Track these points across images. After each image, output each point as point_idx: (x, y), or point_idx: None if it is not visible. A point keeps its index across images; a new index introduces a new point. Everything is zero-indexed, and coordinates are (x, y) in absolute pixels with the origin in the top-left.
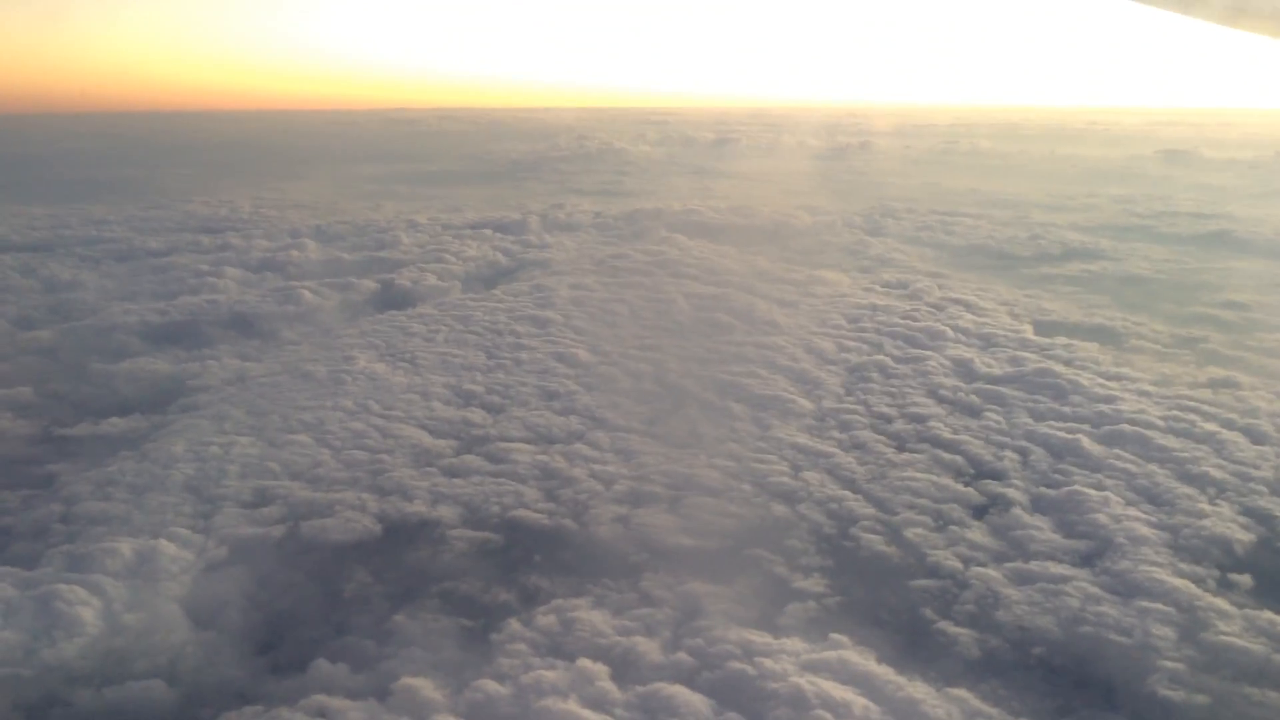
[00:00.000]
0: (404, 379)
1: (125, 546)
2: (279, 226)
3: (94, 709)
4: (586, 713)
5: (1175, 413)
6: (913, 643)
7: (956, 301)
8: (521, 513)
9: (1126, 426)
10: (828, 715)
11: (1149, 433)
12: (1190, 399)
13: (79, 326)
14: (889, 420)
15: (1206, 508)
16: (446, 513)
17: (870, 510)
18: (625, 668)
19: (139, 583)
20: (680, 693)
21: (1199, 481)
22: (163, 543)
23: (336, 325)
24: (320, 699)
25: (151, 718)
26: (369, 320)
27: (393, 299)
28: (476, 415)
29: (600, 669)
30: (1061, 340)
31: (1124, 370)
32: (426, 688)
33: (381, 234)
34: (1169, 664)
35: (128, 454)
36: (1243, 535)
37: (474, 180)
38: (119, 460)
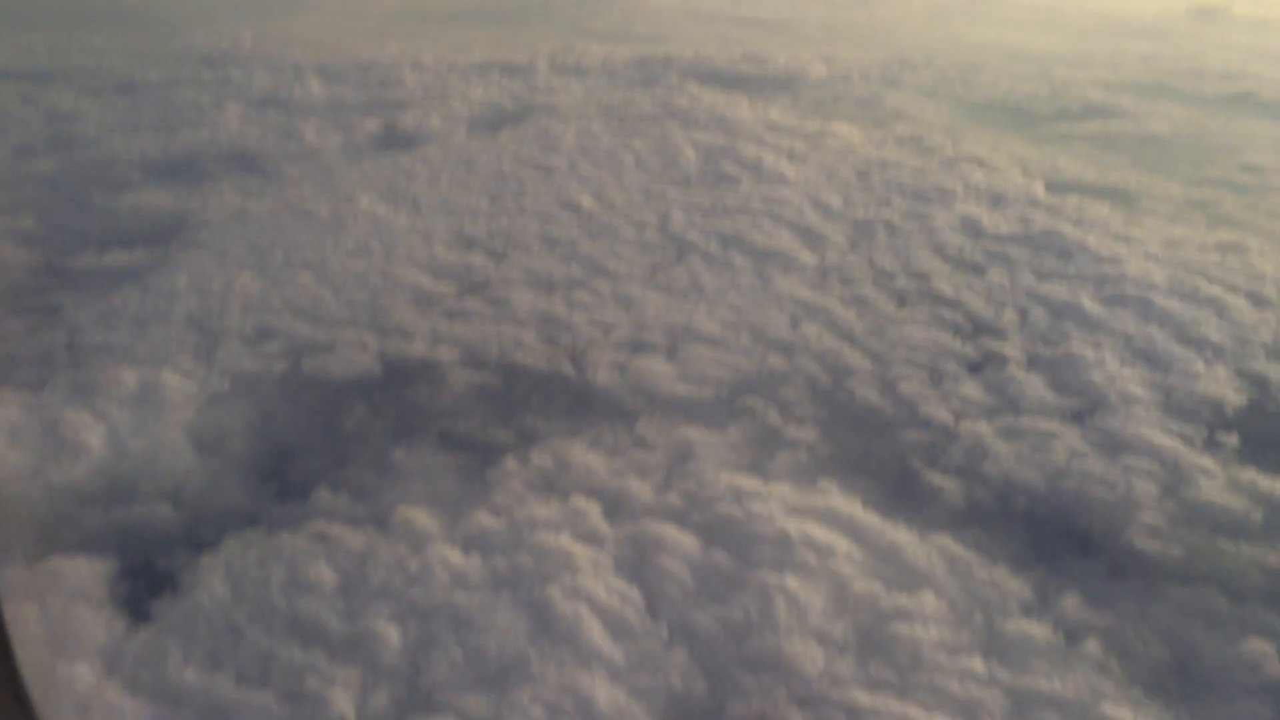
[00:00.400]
0: (406, 221)
1: (129, 375)
2: (281, 62)
3: (102, 529)
4: (578, 546)
5: (1180, 275)
6: (899, 491)
7: (969, 158)
8: (520, 356)
9: (1129, 288)
10: (811, 556)
11: (1152, 294)
12: (1197, 262)
13: (81, 158)
14: (892, 276)
15: (1202, 369)
16: (446, 354)
17: (866, 363)
18: (617, 507)
19: (143, 411)
20: (669, 531)
21: (1197, 344)
22: (166, 373)
23: (338, 165)
24: (321, 525)
25: (157, 538)
26: (371, 161)
27: (396, 140)
28: (478, 259)
29: (593, 506)
30: (1073, 200)
31: (1133, 231)
32: (423, 518)
33: (386, 73)
34: (1148, 518)
35: (130, 286)
36: (1235, 397)
37: (482, 20)
38: (122, 292)
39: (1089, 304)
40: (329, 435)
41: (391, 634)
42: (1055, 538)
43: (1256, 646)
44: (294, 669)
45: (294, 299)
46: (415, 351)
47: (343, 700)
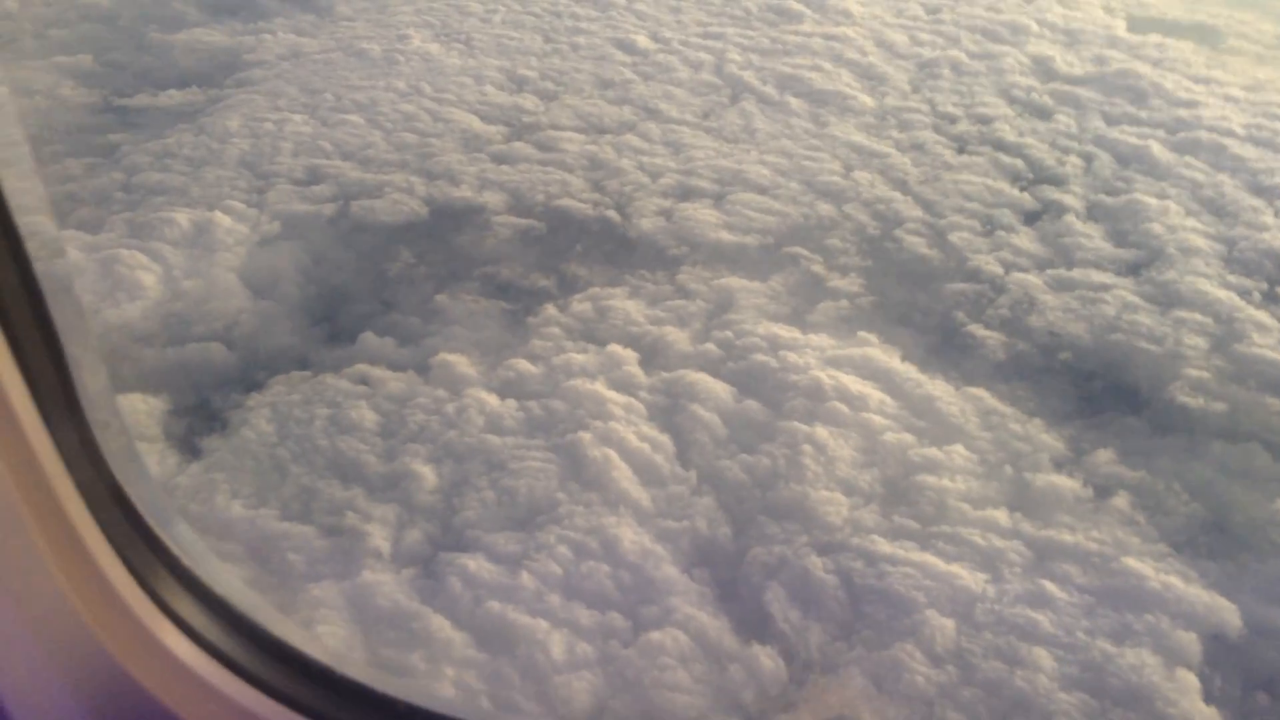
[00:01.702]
0: (458, 61)
1: (183, 217)
2: None
3: (157, 366)
4: (611, 393)
5: (1260, 120)
6: (940, 344)
7: None
8: (566, 201)
9: (1203, 133)
10: (843, 406)
11: (1226, 140)
12: None
13: None
14: (953, 120)
15: (1270, 220)
16: (492, 198)
17: (918, 212)
18: (654, 355)
19: (197, 252)
20: (703, 380)
21: (1269, 193)
22: (218, 215)
23: (392, 2)
24: (364, 368)
25: (211, 376)
26: None
27: None
28: (529, 101)
29: (629, 354)
30: (1154, 38)
31: (1215, 73)
32: (462, 363)
33: None
34: (1194, 373)
35: (185, 126)
36: None
37: None
38: (177, 132)
39: (1158, 150)
40: (376, 279)
41: (427, 474)
42: (1098, 393)
43: None
44: (334, 505)
45: (344, 141)
46: (462, 196)
47: (379, 536)
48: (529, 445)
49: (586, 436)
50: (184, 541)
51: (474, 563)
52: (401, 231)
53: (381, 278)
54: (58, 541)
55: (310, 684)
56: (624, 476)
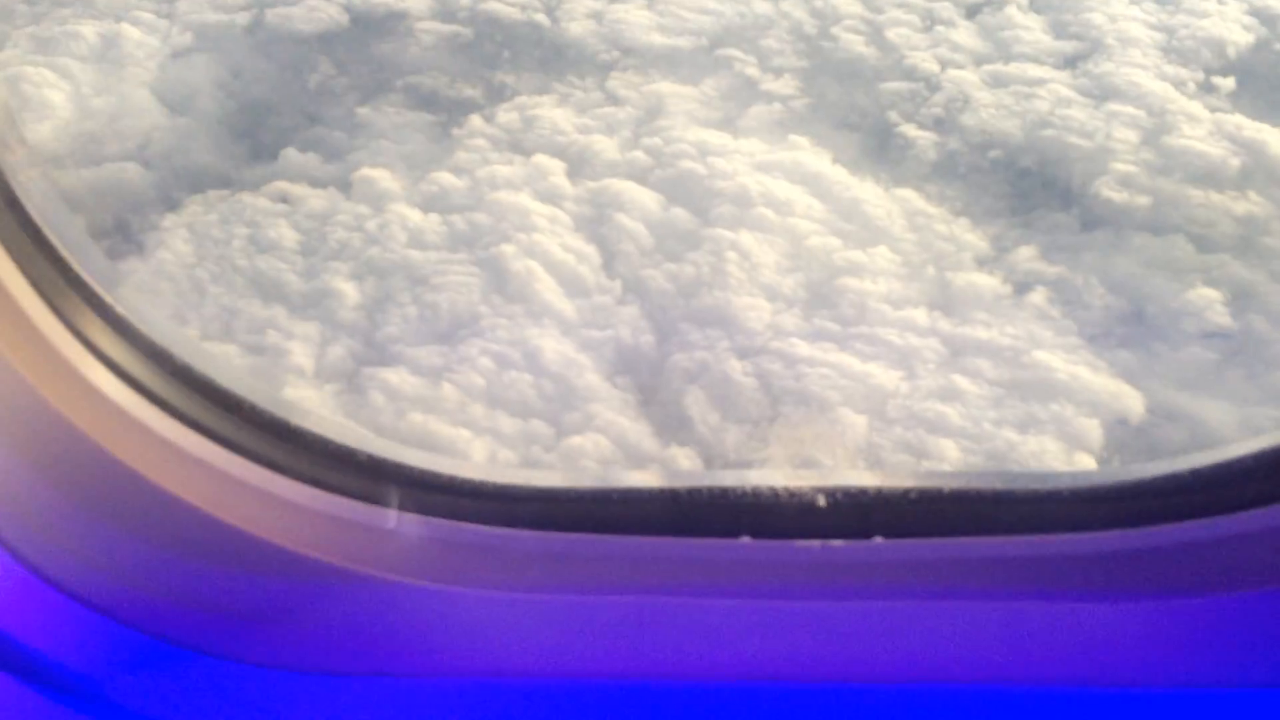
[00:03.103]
0: None
1: (89, 30)
2: None
3: (70, 188)
4: (536, 205)
5: None
6: (873, 145)
7: None
8: (493, 5)
9: None
10: (770, 212)
11: None
12: None
13: None
14: None
15: (1213, 7)
16: (415, 4)
17: (857, 8)
18: (581, 165)
19: (106, 67)
20: (630, 188)
21: None
22: (125, 27)
23: None
24: (284, 185)
25: (126, 198)
26: None
27: None
28: None
29: (556, 164)
30: None
31: None
32: (385, 178)
33: None
34: (1122, 167)
35: None
36: (1241, 36)
37: None
38: None
39: None
40: (297, 92)
41: (349, 291)
42: (1027, 191)
43: (1204, 294)
44: (255, 324)
45: None
46: (384, 1)
47: (301, 352)
48: (452, 259)
49: (510, 249)
50: (100, 274)
51: (396, 376)
52: (321, 41)
53: (302, 90)
54: None
55: (240, 420)
56: (548, 288)
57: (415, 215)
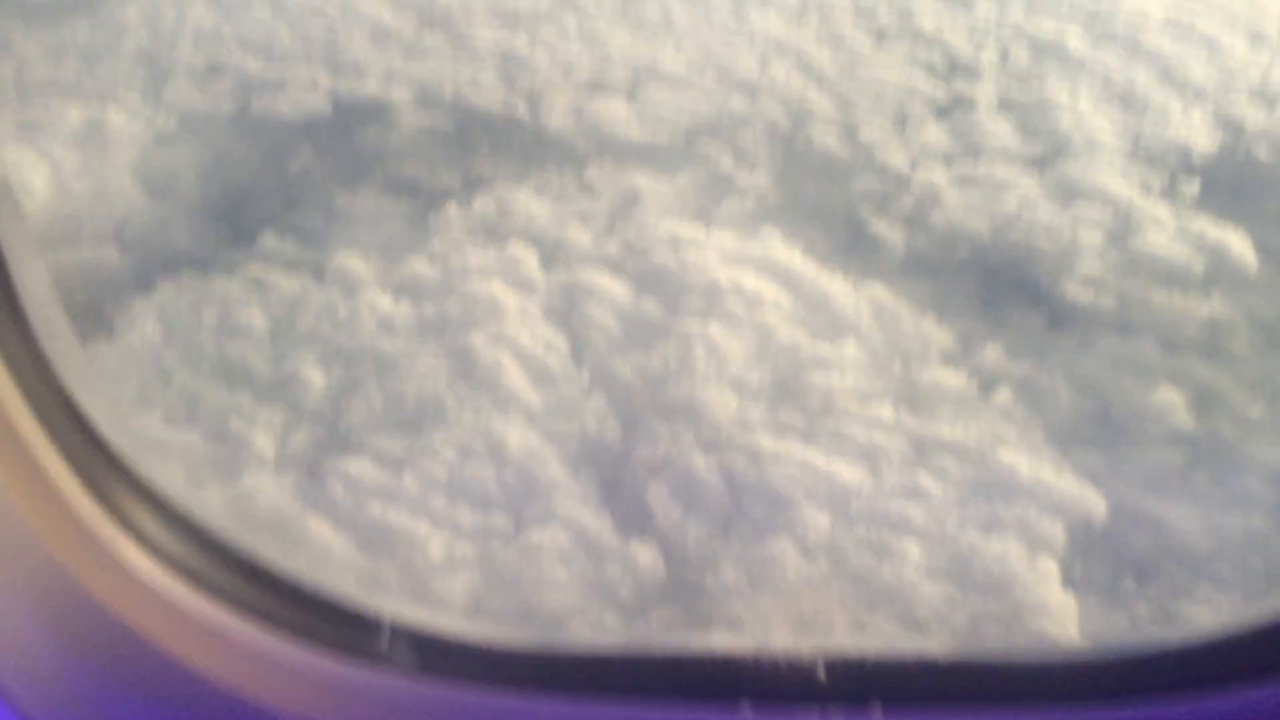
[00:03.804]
0: None
1: (74, 113)
2: None
3: (47, 270)
4: (508, 293)
5: (1179, 10)
6: (843, 240)
7: None
8: (475, 96)
9: (1121, 24)
10: (740, 304)
11: (1143, 32)
12: None
13: None
14: (874, 9)
15: (1178, 113)
16: (399, 93)
17: (831, 106)
18: (554, 254)
19: (89, 150)
20: (602, 279)
21: (1180, 85)
22: (112, 111)
23: None
24: (258, 270)
25: (102, 280)
26: None
27: None
28: None
29: (530, 254)
30: None
31: None
32: (359, 264)
33: None
34: (1089, 267)
35: (82, 18)
36: (1206, 142)
37: None
38: (73, 24)
39: (1074, 41)
40: (277, 178)
41: (316, 378)
42: (994, 288)
43: (1170, 396)
44: (219, 410)
45: (248, 33)
46: (368, 90)
47: (264, 440)
48: (420, 347)
49: (479, 338)
50: (137, 450)
51: (358, 466)
52: (304, 128)
53: (283, 176)
54: (6, 453)
55: (278, 597)
56: (515, 377)
57: (386, 302)
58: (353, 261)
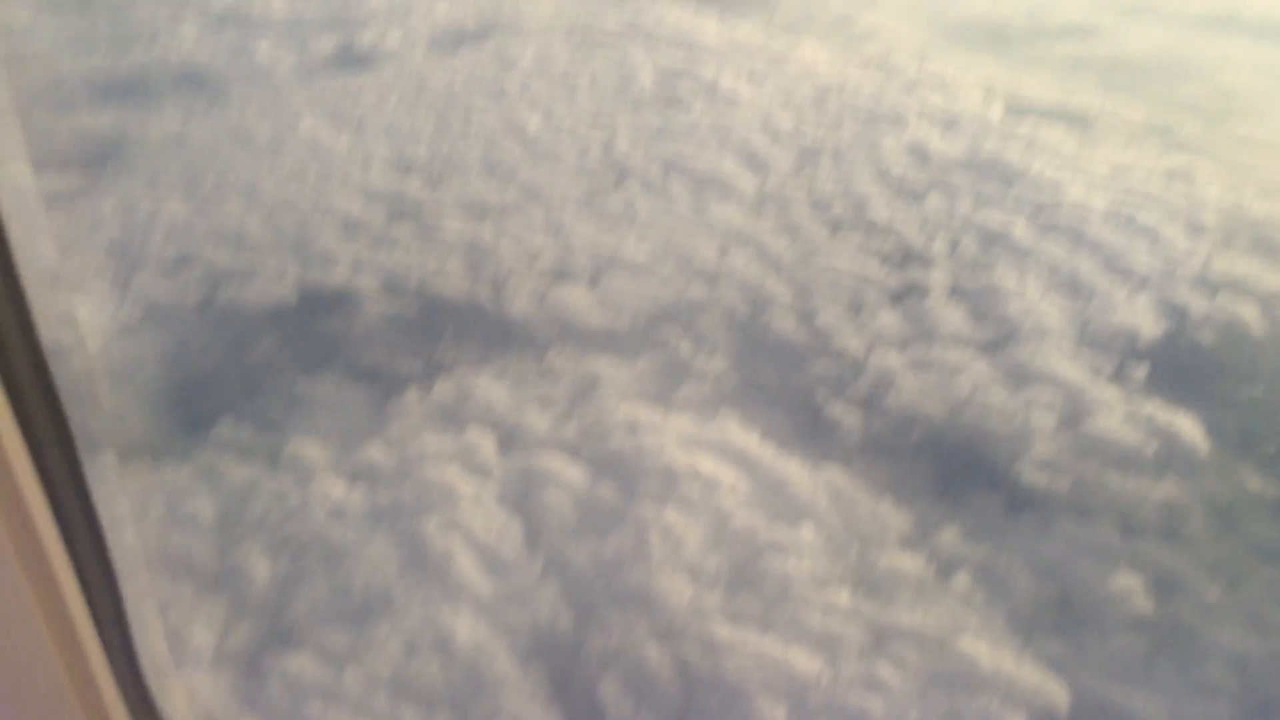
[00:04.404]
0: (347, 145)
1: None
2: None
3: None
4: (464, 478)
5: (1121, 201)
6: (801, 423)
7: (932, 80)
8: (440, 284)
9: (1065, 215)
10: (697, 489)
11: (1086, 222)
12: (1141, 188)
13: (31, 77)
14: (829, 202)
15: (1123, 299)
16: (366, 282)
17: (788, 293)
18: (512, 439)
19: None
20: (559, 463)
21: (1124, 273)
22: (78, 303)
23: (287, 85)
24: (210, 457)
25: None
26: (322, 81)
27: (351, 59)
28: (414, 184)
29: (487, 438)
30: (1029, 123)
31: (1083, 156)
32: (313, 451)
33: None
34: (1040, 450)
35: (57, 211)
36: (1151, 327)
37: None
38: (49, 217)
39: (1021, 232)
40: (239, 366)
41: (261, 569)
42: (950, 471)
43: (1127, 580)
44: (160, 604)
45: (219, 225)
46: (335, 280)
47: (203, 634)
48: (372, 534)
49: (432, 524)
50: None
51: (299, 661)
52: (269, 317)
53: (244, 364)
54: None
55: None
56: (466, 565)
57: (339, 488)
58: (308, 448)
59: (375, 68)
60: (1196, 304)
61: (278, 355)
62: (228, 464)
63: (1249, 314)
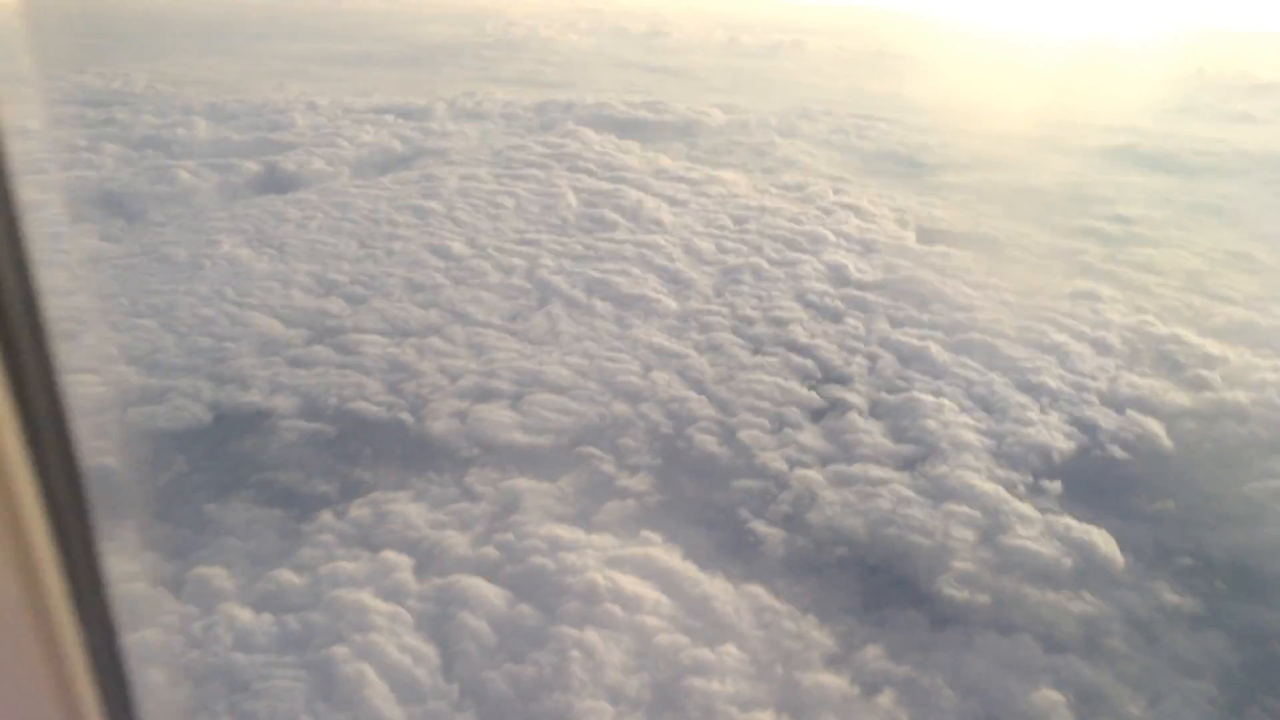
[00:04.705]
0: (267, 265)
1: None
2: (172, 103)
3: None
4: (377, 603)
5: (1030, 322)
6: (723, 541)
7: (847, 206)
8: (360, 404)
9: (977, 335)
10: (618, 609)
11: (998, 341)
12: (1049, 309)
13: None
14: (750, 323)
15: (1036, 416)
16: (282, 403)
17: (711, 411)
18: (430, 561)
19: None
20: (477, 585)
21: (1035, 390)
22: None
23: (210, 207)
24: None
25: None
26: (245, 203)
27: (275, 182)
28: (335, 305)
29: (404, 561)
30: (940, 248)
31: (992, 280)
32: (220, 576)
33: (278, 115)
34: (960, 565)
35: None
36: (1064, 443)
37: (391, 63)
38: None
39: (937, 351)
40: (146, 490)
41: (162, 698)
42: (876, 587)
43: (1050, 695)
44: None
45: (132, 346)
46: (250, 400)
47: None
48: (279, 662)
49: (342, 651)
50: None
51: None
52: (181, 438)
53: (152, 488)
54: None
55: None
56: (378, 693)
57: (246, 615)
58: (214, 572)
59: (300, 190)
60: (1106, 420)
61: (187, 478)
62: (128, 591)
63: (1157, 429)
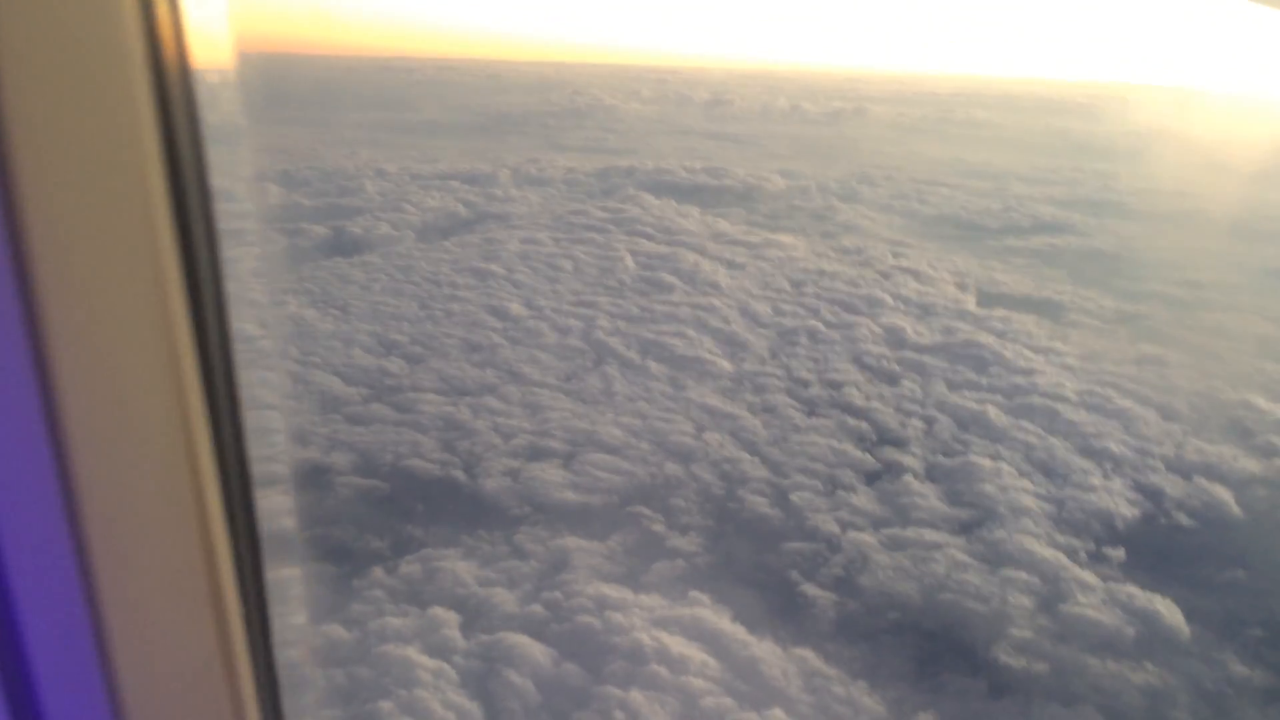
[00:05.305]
0: (330, 326)
1: None
2: (242, 169)
3: None
4: (423, 659)
5: (1093, 387)
6: (773, 604)
7: (906, 270)
8: (414, 462)
9: (1038, 399)
10: (664, 669)
11: (1060, 406)
12: (1113, 374)
13: None
14: (805, 385)
15: (1098, 482)
16: (339, 459)
17: (763, 473)
18: (477, 617)
19: None
20: (523, 643)
21: (1098, 456)
22: None
23: (276, 270)
24: None
25: None
26: (311, 266)
27: (342, 246)
28: (394, 364)
29: (451, 617)
30: (1000, 312)
31: (1055, 344)
32: None
33: (348, 181)
34: (1018, 632)
35: None
36: (1127, 510)
37: (457, 132)
38: None
39: (995, 415)
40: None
41: None
42: (927, 654)
43: None
44: None
45: None
46: (308, 456)
47: None
48: (324, 716)
49: (387, 705)
50: None
51: None
52: None
53: None
54: None
55: None
56: None
57: None
58: None
59: (365, 253)
60: (1172, 487)
61: None
62: None
63: (1225, 497)
